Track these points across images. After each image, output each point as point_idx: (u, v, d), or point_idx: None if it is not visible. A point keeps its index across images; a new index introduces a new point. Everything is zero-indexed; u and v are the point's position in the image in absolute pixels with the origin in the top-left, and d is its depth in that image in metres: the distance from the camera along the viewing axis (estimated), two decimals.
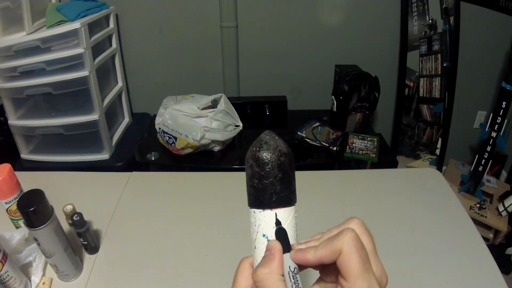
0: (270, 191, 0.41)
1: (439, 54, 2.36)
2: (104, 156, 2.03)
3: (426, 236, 1.04)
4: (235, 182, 1.23)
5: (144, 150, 2.00)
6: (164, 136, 1.90)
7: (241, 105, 2.13)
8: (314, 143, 1.98)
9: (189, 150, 1.88)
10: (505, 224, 2.19)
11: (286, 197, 0.42)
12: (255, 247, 0.43)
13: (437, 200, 1.19)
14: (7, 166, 0.93)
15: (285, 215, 0.42)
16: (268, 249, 0.41)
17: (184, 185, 1.27)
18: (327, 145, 1.95)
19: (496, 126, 2.06)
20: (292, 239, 0.42)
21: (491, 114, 2.08)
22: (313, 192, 1.20)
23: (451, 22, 2.27)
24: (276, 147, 0.41)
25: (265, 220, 0.42)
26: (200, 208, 1.14)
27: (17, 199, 0.94)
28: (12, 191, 0.93)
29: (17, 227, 0.99)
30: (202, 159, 1.91)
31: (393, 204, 1.17)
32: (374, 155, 1.90)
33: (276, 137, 0.42)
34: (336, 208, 1.15)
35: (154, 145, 2.01)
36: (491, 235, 2.25)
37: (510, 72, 1.96)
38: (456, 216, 1.12)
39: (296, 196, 0.43)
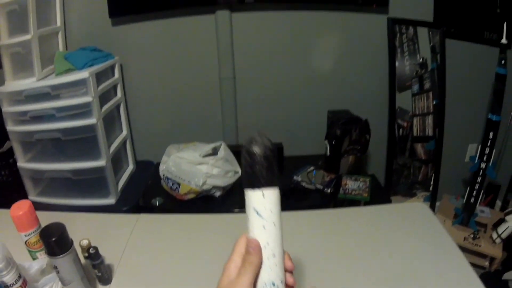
0: (258, 176, 0.57)
1: (430, 92, 2.42)
2: (111, 201, 2.06)
3: (415, 265, 1.10)
4: (235, 223, 1.29)
5: (148, 195, 2.05)
6: (168, 182, 1.98)
7: (240, 152, 2.20)
8: (309, 187, 2.06)
9: (192, 196, 1.95)
10: (500, 251, 2.20)
11: (270, 180, 0.57)
12: (248, 219, 0.59)
13: (423, 230, 1.26)
14: (27, 202, 1.01)
15: (270, 193, 0.58)
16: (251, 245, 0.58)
17: (188, 226, 1.34)
18: (322, 187, 2.03)
19: (485, 157, 2.09)
20: (277, 215, 0.59)
21: (479, 146, 2.12)
22: (308, 229, 1.29)
23: (438, 60, 2.36)
24: (264, 144, 0.57)
25: (255, 197, 0.58)
26: (203, 247, 1.21)
27: (35, 232, 1.02)
28: (32, 225, 1.02)
29: (33, 259, 1.06)
30: (204, 204, 1.97)
31: (382, 236, 1.24)
32: (366, 195, 1.97)
33: (264, 137, 0.58)
34: (329, 243, 1.22)
35: (158, 191, 2.06)
36: (486, 263, 2.27)
37: (495, 103, 2.01)
38: (443, 245, 1.18)
39: (278, 180, 0.59)
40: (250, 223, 0.59)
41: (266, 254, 0.58)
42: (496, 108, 2.01)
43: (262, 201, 0.58)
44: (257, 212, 0.58)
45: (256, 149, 0.57)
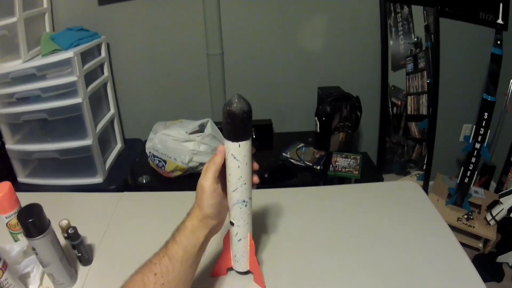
0: (236, 132, 0.75)
1: (425, 71, 2.42)
2: (98, 180, 2.07)
3: (404, 244, 1.10)
4: None
5: (136, 173, 2.06)
6: (155, 159, 1.97)
7: None
8: (299, 163, 2.06)
9: (178, 173, 1.95)
10: (494, 233, 2.22)
11: (245, 135, 0.76)
12: (227, 160, 0.79)
13: (414, 209, 1.26)
14: (7, 184, 1.00)
15: (244, 143, 0.76)
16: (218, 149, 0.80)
17: (172, 204, 1.33)
18: (311, 164, 2.03)
19: (480, 138, 2.10)
20: (248, 158, 0.79)
21: (474, 126, 2.12)
22: (296, 207, 1.28)
23: (432, 39, 2.35)
24: (241, 106, 0.72)
25: (233, 146, 0.77)
26: None
27: (16, 214, 1.01)
28: (12, 206, 1.00)
29: (15, 240, 1.05)
30: (191, 181, 1.94)
31: (371, 214, 1.24)
32: (357, 172, 1.97)
33: (242, 99, 0.73)
34: (316, 221, 1.22)
35: (146, 169, 2.06)
36: (480, 245, 2.29)
37: (490, 84, 2.01)
38: (434, 224, 1.18)
39: (251, 134, 0.78)
40: (228, 163, 0.80)
41: (239, 183, 0.81)
42: (491, 89, 2.01)
43: (238, 150, 0.77)
44: (234, 157, 0.78)
45: (235, 111, 0.72)
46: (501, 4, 1.92)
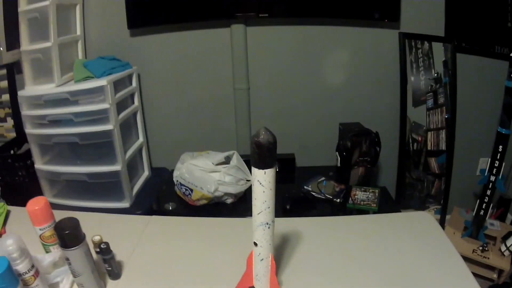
0: (262, 160, 0.82)
1: (444, 107, 2.44)
2: (125, 204, 2.12)
3: (416, 273, 1.12)
4: (244, 227, 1.29)
5: (162, 200, 2.11)
6: (181, 188, 2.03)
7: None
8: (319, 196, 2.09)
9: (204, 202, 2.00)
10: (508, 263, 2.20)
11: (270, 163, 0.83)
12: (253, 186, 0.86)
13: (426, 239, 1.28)
14: (43, 198, 1.07)
15: (269, 171, 0.83)
16: None
17: (199, 229, 1.39)
18: (331, 197, 2.06)
19: (495, 170, 2.10)
20: (272, 184, 0.85)
21: (489, 159, 2.12)
22: (313, 235, 1.32)
23: (450, 74, 2.37)
24: (268, 138, 0.80)
25: (259, 173, 0.83)
26: (212, 249, 1.25)
27: (50, 227, 1.07)
28: (47, 220, 1.07)
29: (47, 252, 1.11)
30: (216, 210, 2.01)
31: (385, 242, 1.27)
32: (375, 205, 1.99)
33: (269, 132, 0.81)
34: (332, 248, 1.26)
35: (172, 196, 2.11)
36: (495, 276, 2.26)
37: (504, 117, 2.01)
38: (446, 254, 1.20)
39: (276, 162, 0.84)
40: (254, 189, 0.86)
41: (264, 206, 0.87)
42: (506, 121, 2.01)
43: (264, 176, 0.83)
44: (260, 183, 0.84)
45: (262, 141, 0.80)
46: None
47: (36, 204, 1.05)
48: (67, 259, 0.94)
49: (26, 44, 1.89)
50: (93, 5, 2.23)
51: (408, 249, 1.23)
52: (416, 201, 2.65)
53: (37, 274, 0.93)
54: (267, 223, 0.90)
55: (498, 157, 2.07)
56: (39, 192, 2.09)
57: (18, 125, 2.01)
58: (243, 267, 1.01)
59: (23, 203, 1.11)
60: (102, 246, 1.04)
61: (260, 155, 0.82)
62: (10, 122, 2.37)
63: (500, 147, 2.04)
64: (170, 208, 2.03)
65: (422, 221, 1.40)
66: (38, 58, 1.89)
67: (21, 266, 0.89)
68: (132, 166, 2.26)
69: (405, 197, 2.64)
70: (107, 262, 1.06)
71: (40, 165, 2.03)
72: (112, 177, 2.04)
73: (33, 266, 0.92)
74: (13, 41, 2.09)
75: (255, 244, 0.94)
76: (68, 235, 0.91)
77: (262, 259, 0.95)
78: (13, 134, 2.38)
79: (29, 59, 1.91)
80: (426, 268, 1.13)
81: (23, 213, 1.07)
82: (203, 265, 1.17)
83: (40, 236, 1.08)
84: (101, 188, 2.07)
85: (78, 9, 2.15)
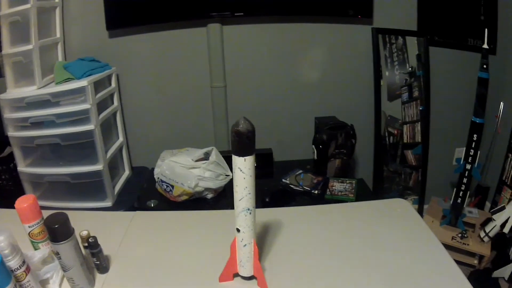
0: (242, 148, 0.88)
1: (419, 100, 2.51)
2: (107, 203, 2.14)
3: (392, 256, 1.17)
4: (225, 219, 1.33)
5: (144, 198, 2.13)
6: (162, 184, 2.06)
7: (231, 157, 2.27)
8: (298, 188, 2.15)
9: (185, 197, 2.04)
10: (488, 249, 2.26)
11: (250, 151, 0.89)
12: (234, 173, 0.92)
13: (402, 223, 1.35)
14: (31, 196, 1.10)
15: (249, 158, 0.89)
16: None
17: (182, 222, 1.43)
18: (309, 189, 2.13)
19: (470, 159, 2.17)
20: (252, 171, 0.91)
21: (465, 148, 2.19)
22: (293, 222, 1.38)
23: (424, 68, 2.45)
24: (246, 126, 0.87)
25: (239, 160, 0.89)
26: (196, 240, 1.30)
27: (38, 224, 1.10)
28: (35, 217, 1.09)
29: (36, 249, 1.13)
30: (197, 205, 2.05)
31: (361, 229, 1.33)
32: (352, 195, 2.06)
33: (247, 121, 0.88)
34: (312, 233, 1.32)
35: (153, 194, 2.14)
36: (475, 261, 2.33)
37: (478, 107, 2.08)
38: (421, 236, 1.27)
39: (255, 150, 0.90)
40: (235, 176, 0.92)
41: (245, 192, 0.93)
42: (479, 111, 2.09)
43: (244, 163, 0.89)
44: (241, 170, 0.90)
45: (242, 130, 0.86)
46: (486, 30, 2.00)
47: (25, 201, 1.07)
48: (57, 253, 0.97)
49: (7, 47, 1.90)
50: (73, 8, 2.25)
51: (387, 234, 1.28)
52: (394, 194, 2.71)
53: (28, 270, 0.95)
54: (249, 209, 0.96)
55: (473, 146, 2.14)
56: (23, 195, 2.07)
57: (0, 129, 2.01)
58: (227, 255, 1.06)
59: (6, 206, 1.14)
60: (90, 240, 1.07)
61: (240, 143, 0.87)
62: None
63: (475, 136, 2.12)
64: (152, 205, 2.06)
65: (400, 207, 1.45)
66: (19, 61, 1.90)
67: (12, 262, 0.91)
68: (113, 166, 2.28)
69: (383, 189, 2.71)
70: (95, 256, 1.09)
71: (23, 167, 2.04)
72: (94, 176, 2.05)
73: (24, 262, 0.94)
74: None
75: (238, 230, 1.00)
76: (58, 229, 0.94)
77: (245, 245, 1.01)
78: None
79: (10, 62, 1.92)
80: (406, 253, 1.19)
81: (8, 215, 1.11)
82: (188, 256, 1.21)
83: (29, 233, 1.10)
84: (83, 188, 2.09)
85: (57, 12, 2.16)
